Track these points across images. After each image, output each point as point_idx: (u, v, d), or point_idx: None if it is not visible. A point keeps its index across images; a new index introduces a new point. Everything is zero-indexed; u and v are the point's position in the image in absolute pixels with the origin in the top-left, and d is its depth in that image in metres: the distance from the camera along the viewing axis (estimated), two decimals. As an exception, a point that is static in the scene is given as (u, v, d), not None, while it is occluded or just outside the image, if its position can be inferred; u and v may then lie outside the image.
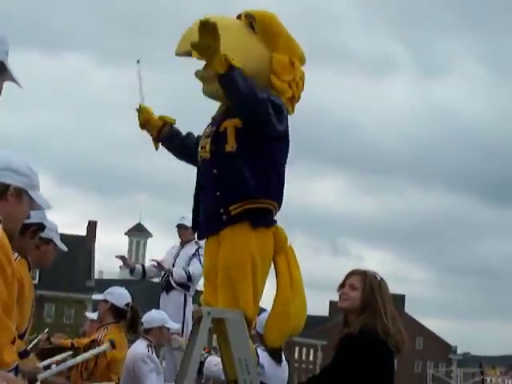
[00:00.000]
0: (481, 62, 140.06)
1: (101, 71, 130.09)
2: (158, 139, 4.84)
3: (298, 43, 4.68)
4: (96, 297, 6.92)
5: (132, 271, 9.00)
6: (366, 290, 4.46)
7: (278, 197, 4.52)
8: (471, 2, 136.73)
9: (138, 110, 4.88)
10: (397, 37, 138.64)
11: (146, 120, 4.84)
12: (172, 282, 8.58)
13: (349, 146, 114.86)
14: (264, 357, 5.79)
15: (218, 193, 4.41)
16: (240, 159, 4.39)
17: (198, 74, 4.55)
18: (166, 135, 4.83)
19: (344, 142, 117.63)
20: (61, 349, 6.10)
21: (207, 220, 4.51)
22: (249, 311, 4.34)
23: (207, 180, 4.51)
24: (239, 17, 4.66)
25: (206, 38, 4.16)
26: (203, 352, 5.77)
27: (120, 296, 6.57)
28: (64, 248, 4.80)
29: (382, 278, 4.57)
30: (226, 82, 4.25)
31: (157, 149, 4.88)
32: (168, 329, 7.18)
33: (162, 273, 8.72)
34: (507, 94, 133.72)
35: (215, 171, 4.45)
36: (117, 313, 6.49)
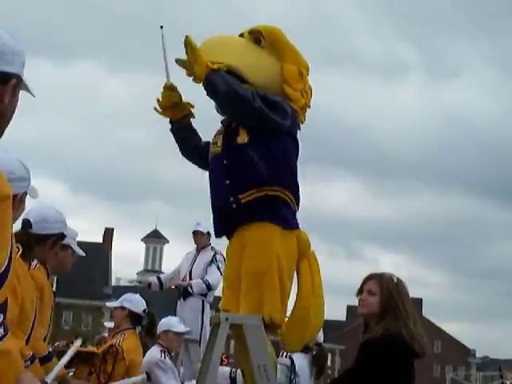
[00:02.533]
0: (491, 64, 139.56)
1: (113, 79, 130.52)
2: (178, 124, 4.84)
3: (302, 55, 4.77)
4: (111, 304, 6.90)
5: (149, 286, 9.00)
6: (384, 294, 4.41)
7: (290, 187, 4.52)
8: (481, 5, 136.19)
9: (164, 87, 4.80)
10: (407, 40, 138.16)
11: (174, 103, 4.80)
12: (189, 289, 8.57)
13: (362, 150, 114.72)
14: (300, 359, 5.84)
15: (227, 181, 4.45)
16: (250, 150, 4.43)
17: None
18: (186, 125, 4.87)
19: (357, 146, 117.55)
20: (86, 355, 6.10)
21: (218, 210, 4.54)
22: (277, 315, 4.32)
23: (217, 172, 4.54)
24: (241, 35, 4.77)
25: (189, 55, 4.36)
26: (233, 369, 5.83)
27: (137, 302, 6.63)
28: (82, 253, 4.80)
29: (399, 279, 4.51)
30: (206, 85, 4.36)
31: (169, 117, 4.84)
32: (175, 333, 7.20)
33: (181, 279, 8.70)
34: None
35: (225, 162, 4.50)
36: (134, 319, 6.56)
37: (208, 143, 4.83)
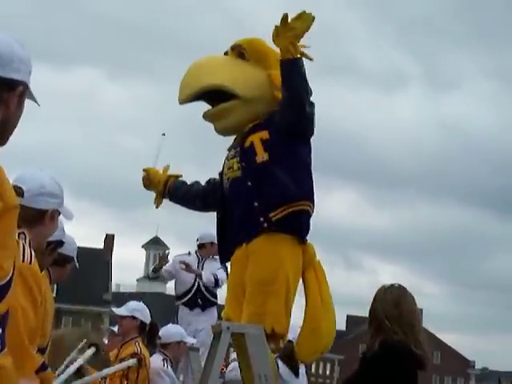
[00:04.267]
0: (490, 75, 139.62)
1: (112, 86, 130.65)
2: (163, 194, 4.99)
3: None
4: (120, 312, 6.76)
5: (156, 271, 8.83)
6: (372, 304, 4.40)
7: (312, 197, 4.54)
8: (481, 17, 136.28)
9: (145, 170, 5.07)
10: (407, 51, 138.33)
11: (151, 181, 5.03)
12: (209, 296, 8.51)
13: (360, 161, 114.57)
14: (283, 368, 5.82)
15: (255, 203, 4.40)
16: (273, 166, 4.41)
17: (207, 115, 4.72)
18: (172, 189, 4.97)
19: (355, 157, 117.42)
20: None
21: (244, 232, 4.46)
22: (280, 326, 4.32)
23: (241, 195, 4.48)
24: (226, 53, 4.82)
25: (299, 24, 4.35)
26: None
27: (146, 313, 6.70)
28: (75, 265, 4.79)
29: (392, 286, 4.46)
30: (293, 66, 4.35)
31: (157, 206, 5.04)
32: (185, 343, 7.17)
33: (189, 286, 8.58)
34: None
35: (249, 183, 4.45)
36: (141, 328, 6.57)
37: (209, 181, 4.88)
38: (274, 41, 4.44)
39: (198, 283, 8.58)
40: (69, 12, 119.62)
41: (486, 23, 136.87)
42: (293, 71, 4.36)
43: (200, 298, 8.57)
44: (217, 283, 8.45)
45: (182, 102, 4.67)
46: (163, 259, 8.86)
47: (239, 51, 4.74)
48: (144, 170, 5.08)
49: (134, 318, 6.58)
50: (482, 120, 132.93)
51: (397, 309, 4.31)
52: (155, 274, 8.82)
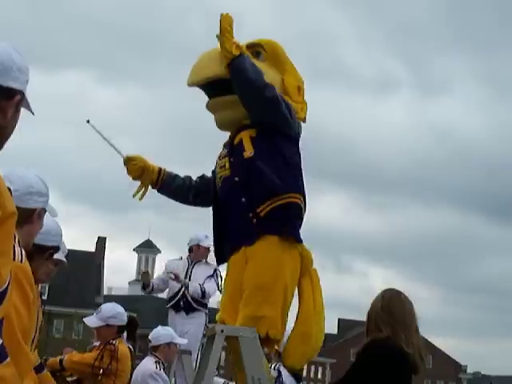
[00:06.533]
0: (480, 80, 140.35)
1: (101, 89, 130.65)
2: (156, 184, 4.79)
3: (298, 70, 4.82)
4: (93, 323, 6.32)
5: (146, 288, 8.85)
6: (368, 310, 4.39)
7: (301, 190, 4.53)
8: (471, 21, 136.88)
9: (125, 161, 4.77)
10: (397, 55, 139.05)
11: (141, 168, 4.76)
12: (192, 302, 8.49)
13: (351, 164, 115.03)
14: (286, 376, 5.84)
15: (243, 199, 4.41)
16: (258, 161, 4.42)
17: (209, 105, 4.69)
18: (166, 180, 4.80)
19: (346, 160, 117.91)
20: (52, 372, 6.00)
21: (238, 231, 4.46)
22: (275, 331, 4.31)
23: (231, 193, 4.49)
24: None
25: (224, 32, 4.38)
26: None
27: (121, 316, 6.35)
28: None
29: (386, 289, 4.43)
30: (238, 64, 4.37)
31: (141, 198, 4.81)
32: (176, 345, 7.13)
33: (176, 290, 8.59)
34: (506, 111, 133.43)
35: (237, 179, 4.47)
36: (120, 331, 6.40)
37: (202, 176, 4.84)
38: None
39: (182, 287, 8.56)
40: (58, 15, 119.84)
41: (476, 28, 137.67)
42: (235, 70, 4.39)
43: (184, 302, 8.54)
44: (203, 295, 8.42)
45: (191, 84, 4.65)
46: (145, 277, 8.96)
47: (256, 50, 4.72)
48: (128, 159, 4.75)
49: (109, 325, 6.25)
50: (472, 124, 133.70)
51: (387, 309, 4.29)
52: (148, 289, 8.84)
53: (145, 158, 4.82)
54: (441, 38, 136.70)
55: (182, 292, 8.57)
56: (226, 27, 4.40)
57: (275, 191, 4.38)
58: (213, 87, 4.62)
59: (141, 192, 4.78)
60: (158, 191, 4.83)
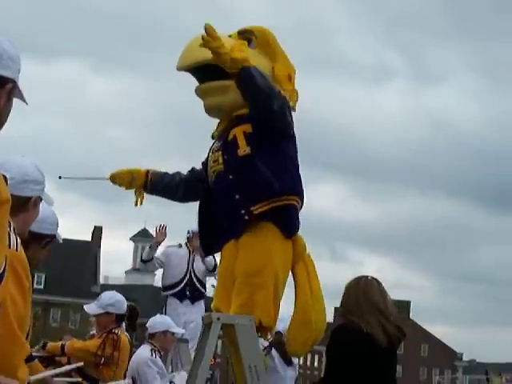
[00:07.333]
0: (476, 69, 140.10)
1: (96, 78, 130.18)
2: (145, 186, 4.86)
3: (289, 59, 4.79)
4: (92, 311, 6.35)
5: (148, 260, 8.77)
6: None
7: (299, 191, 4.52)
8: (467, 11, 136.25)
9: (111, 180, 4.90)
10: (394, 45, 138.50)
11: (129, 178, 4.87)
12: (201, 288, 8.47)
13: (347, 154, 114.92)
14: (277, 357, 5.90)
15: (236, 196, 4.39)
16: (255, 160, 4.39)
17: (198, 90, 4.66)
18: (154, 180, 4.86)
19: (343, 149, 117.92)
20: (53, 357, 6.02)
21: (228, 225, 4.46)
22: (268, 319, 4.32)
23: (224, 189, 4.47)
24: (230, 36, 4.69)
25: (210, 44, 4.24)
26: None
27: (120, 304, 6.36)
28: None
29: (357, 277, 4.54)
30: (246, 76, 4.29)
31: (138, 204, 4.91)
32: (173, 333, 7.16)
33: (180, 277, 8.51)
34: (502, 100, 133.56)
35: (231, 176, 4.44)
36: (119, 320, 6.41)
37: (192, 170, 4.84)
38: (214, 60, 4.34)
39: (191, 275, 8.56)
40: (55, 4, 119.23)
41: (472, 18, 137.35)
42: (246, 81, 4.32)
43: (190, 290, 8.52)
44: (215, 268, 8.41)
45: (180, 69, 4.62)
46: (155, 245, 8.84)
47: (248, 37, 4.69)
48: (112, 176, 4.89)
49: (107, 313, 6.26)
50: (468, 113, 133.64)
51: (347, 295, 4.43)
52: (148, 259, 8.78)
53: (127, 168, 4.93)
54: (438, 28, 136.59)
55: (187, 279, 8.55)
56: (212, 38, 4.24)
57: (272, 192, 4.35)
58: (202, 72, 4.58)
59: (139, 199, 4.92)
60: (149, 193, 4.92)
